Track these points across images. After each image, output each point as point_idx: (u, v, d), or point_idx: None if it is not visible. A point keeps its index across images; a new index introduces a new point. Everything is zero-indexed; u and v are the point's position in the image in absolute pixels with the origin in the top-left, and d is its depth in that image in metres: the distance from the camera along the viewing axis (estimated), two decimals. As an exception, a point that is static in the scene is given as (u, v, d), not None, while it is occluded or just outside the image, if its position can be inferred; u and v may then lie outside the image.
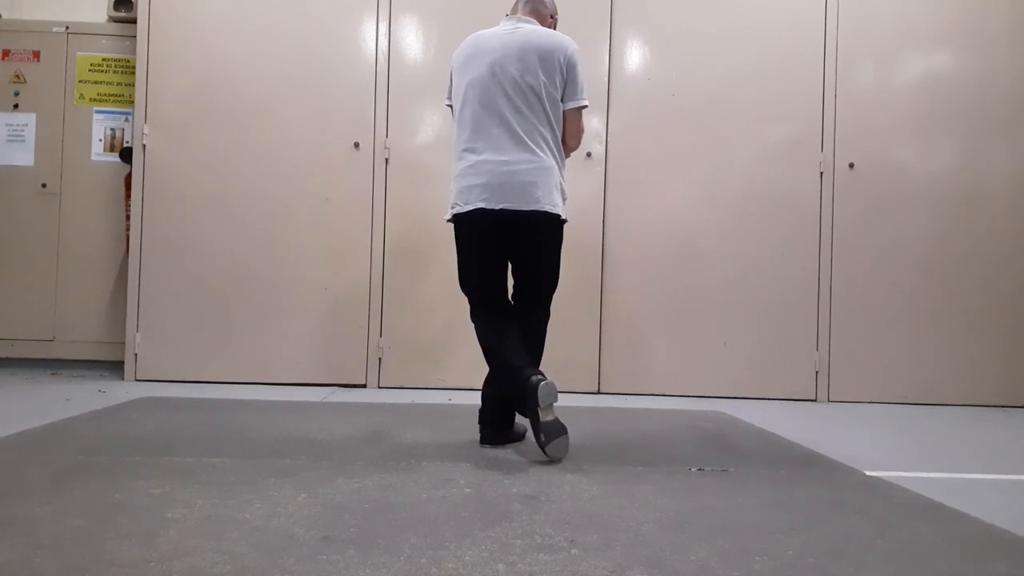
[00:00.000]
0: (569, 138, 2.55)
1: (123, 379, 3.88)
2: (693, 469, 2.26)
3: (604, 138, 3.93)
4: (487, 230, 2.45)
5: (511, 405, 2.50)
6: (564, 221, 2.53)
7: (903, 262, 3.97)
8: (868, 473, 2.30)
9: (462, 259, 2.54)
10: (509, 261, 2.54)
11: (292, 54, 3.90)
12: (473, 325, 2.54)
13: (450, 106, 2.63)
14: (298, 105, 3.90)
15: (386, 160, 3.90)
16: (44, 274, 4.16)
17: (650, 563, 1.45)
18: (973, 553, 1.58)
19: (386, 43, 3.91)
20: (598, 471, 2.19)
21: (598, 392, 3.90)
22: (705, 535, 1.64)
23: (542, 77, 2.44)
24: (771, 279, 3.95)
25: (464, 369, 3.78)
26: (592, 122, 3.91)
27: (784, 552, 1.54)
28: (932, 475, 2.35)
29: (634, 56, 3.97)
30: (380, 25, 3.91)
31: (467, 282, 2.54)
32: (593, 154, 3.92)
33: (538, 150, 2.43)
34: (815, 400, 3.93)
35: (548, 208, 2.42)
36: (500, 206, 2.39)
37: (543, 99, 2.45)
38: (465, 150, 2.48)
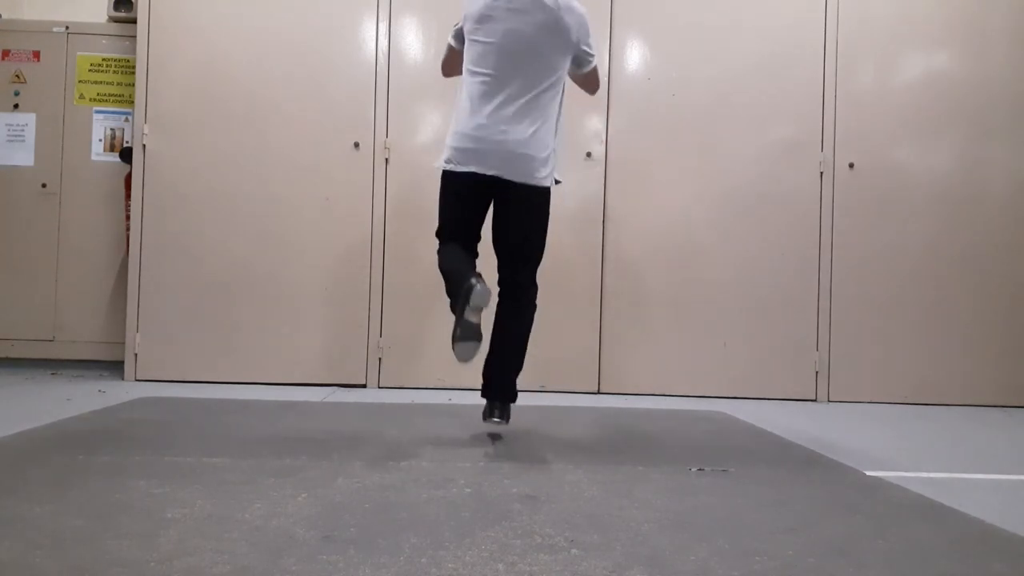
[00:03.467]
0: (590, 86, 2.76)
1: (123, 379, 3.88)
2: (693, 469, 2.26)
3: (604, 138, 3.93)
4: (476, 191, 2.54)
5: (509, 378, 2.62)
6: (557, 183, 2.61)
7: (903, 262, 3.97)
8: (868, 473, 2.30)
9: (445, 209, 2.62)
10: (493, 227, 2.60)
11: (292, 54, 3.90)
12: (438, 252, 2.62)
13: (448, 45, 2.71)
14: (298, 105, 3.90)
15: (386, 160, 3.90)
16: (44, 274, 4.15)
17: (650, 563, 1.45)
18: (973, 553, 1.58)
19: (386, 43, 3.91)
20: (598, 471, 2.19)
21: (598, 392, 3.89)
22: (705, 535, 1.64)
23: (551, 46, 2.51)
24: (771, 279, 3.95)
25: (464, 369, 3.77)
26: (592, 122, 3.91)
27: (784, 552, 1.54)
28: (932, 475, 2.35)
29: (634, 56, 3.97)
30: (380, 25, 3.91)
31: (445, 229, 2.62)
32: (593, 154, 3.92)
33: (537, 121, 2.50)
34: (815, 400, 3.93)
35: (539, 181, 2.51)
36: (493, 172, 2.48)
37: (550, 69, 2.52)
38: (469, 110, 2.52)
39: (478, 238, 2.65)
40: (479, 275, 2.42)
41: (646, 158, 3.94)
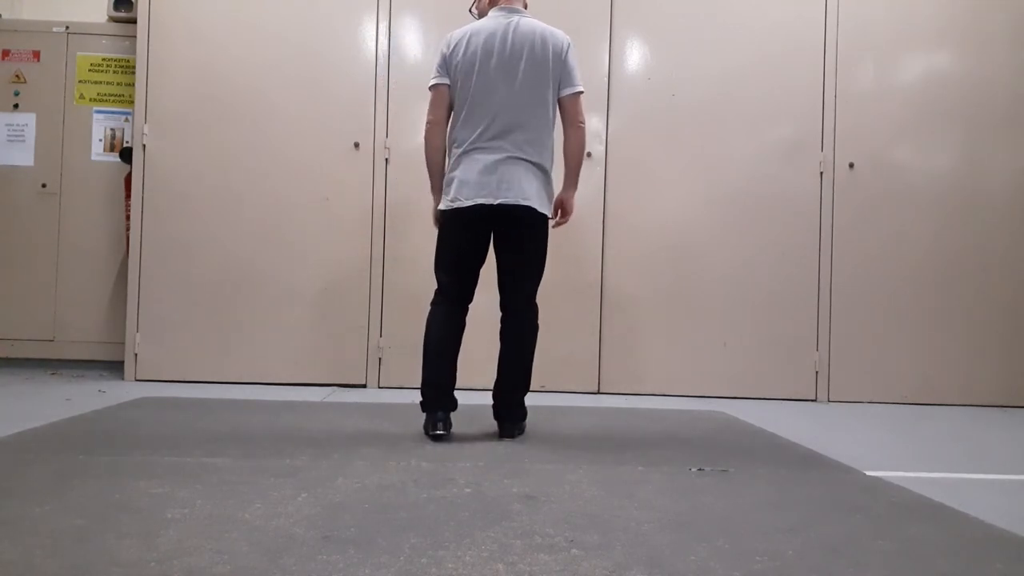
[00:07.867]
0: (568, 126, 2.64)
1: (123, 379, 3.88)
2: (693, 469, 2.26)
3: (604, 138, 3.93)
4: (481, 224, 2.56)
5: (518, 399, 2.71)
6: (549, 219, 2.66)
7: (903, 262, 3.97)
8: (868, 473, 2.30)
9: (446, 247, 2.63)
10: (496, 254, 2.63)
11: (292, 54, 3.90)
12: (431, 308, 2.65)
13: (434, 86, 2.63)
14: (298, 105, 3.90)
15: (386, 160, 3.90)
16: (44, 274, 4.16)
17: (650, 563, 1.45)
18: (973, 553, 1.58)
19: (386, 43, 3.91)
20: (598, 471, 2.19)
21: (598, 392, 3.89)
22: (705, 535, 1.64)
23: (541, 76, 2.55)
24: (771, 279, 3.95)
25: (463, 369, 3.76)
26: (592, 122, 3.91)
27: (784, 552, 1.54)
28: (932, 475, 2.35)
29: (634, 56, 3.97)
30: (380, 25, 3.91)
31: (444, 268, 2.64)
32: (593, 154, 3.92)
33: (535, 152, 2.56)
34: (815, 400, 3.93)
35: (538, 207, 2.55)
36: (498, 201, 2.50)
37: (543, 99, 2.55)
38: (467, 145, 2.56)
39: (474, 285, 2.65)
40: (448, 420, 2.59)
41: (646, 158, 3.94)
